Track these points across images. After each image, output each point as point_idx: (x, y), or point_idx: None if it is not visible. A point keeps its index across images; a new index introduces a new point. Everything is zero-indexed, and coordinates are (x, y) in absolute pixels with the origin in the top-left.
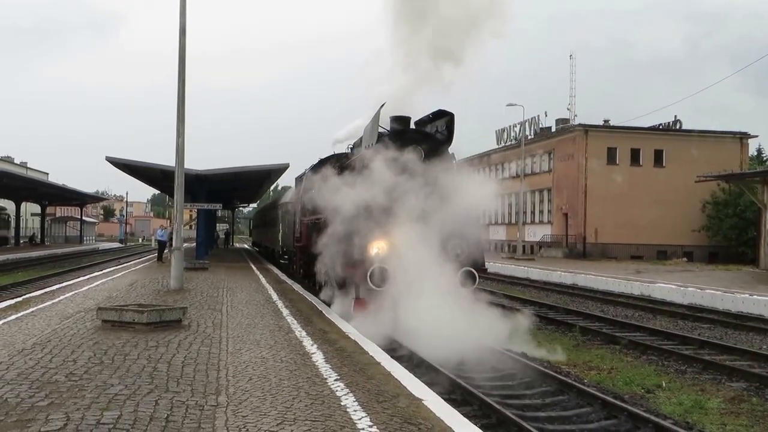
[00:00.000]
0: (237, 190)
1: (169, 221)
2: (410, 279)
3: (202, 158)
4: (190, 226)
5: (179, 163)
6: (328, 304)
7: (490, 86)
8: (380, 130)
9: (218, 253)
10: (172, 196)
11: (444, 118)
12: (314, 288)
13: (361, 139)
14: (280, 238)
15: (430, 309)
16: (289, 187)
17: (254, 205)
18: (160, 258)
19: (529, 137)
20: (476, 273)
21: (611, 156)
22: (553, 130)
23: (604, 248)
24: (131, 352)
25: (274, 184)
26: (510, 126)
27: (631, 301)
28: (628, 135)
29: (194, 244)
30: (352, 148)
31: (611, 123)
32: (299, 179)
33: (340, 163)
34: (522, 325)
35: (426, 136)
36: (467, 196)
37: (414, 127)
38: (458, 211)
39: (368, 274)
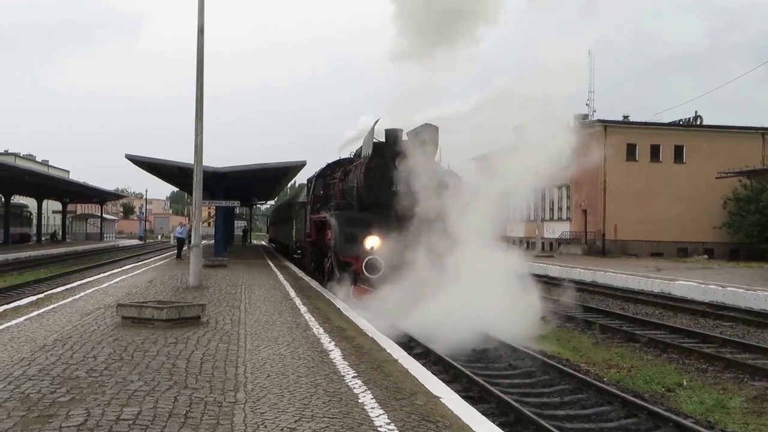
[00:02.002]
0: (255, 187)
1: (187, 218)
2: (410, 271)
3: (221, 154)
4: (209, 224)
5: (197, 160)
6: (336, 293)
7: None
8: (376, 140)
9: (236, 250)
10: (190, 193)
11: (430, 130)
12: (324, 278)
13: (361, 147)
14: (293, 234)
15: (441, 301)
16: (305, 185)
17: (272, 202)
18: (179, 255)
19: None
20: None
21: (631, 152)
22: (572, 125)
23: (624, 245)
24: (150, 349)
25: (292, 181)
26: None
27: (651, 298)
28: (648, 131)
29: (212, 241)
30: (354, 155)
31: (631, 119)
32: (310, 180)
33: (343, 168)
34: (534, 323)
35: (413, 147)
36: (447, 197)
37: (404, 140)
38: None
39: (363, 264)
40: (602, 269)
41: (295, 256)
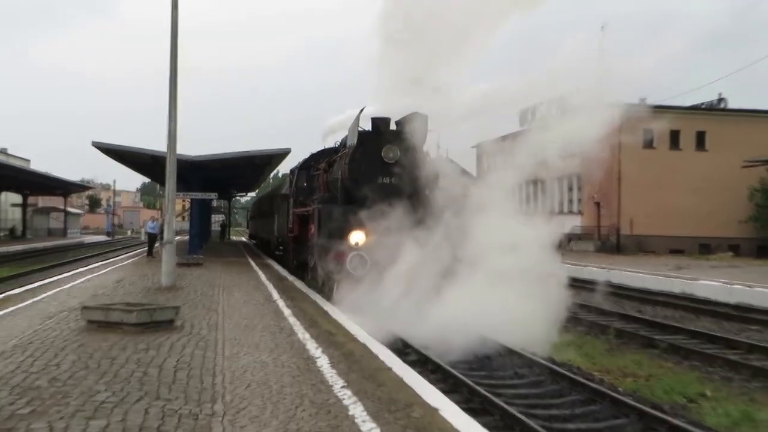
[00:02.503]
0: (234, 177)
1: (160, 212)
2: (398, 266)
3: (197, 142)
4: (183, 218)
5: (171, 148)
6: (322, 293)
7: (511, 60)
8: (362, 129)
9: (214, 246)
10: (163, 184)
11: (418, 120)
12: (308, 277)
13: (347, 136)
14: (275, 229)
15: (439, 301)
16: (288, 176)
17: (253, 194)
18: (150, 252)
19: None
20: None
21: (648, 138)
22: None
23: (641, 241)
24: (119, 356)
25: (275, 171)
26: (535, 105)
27: (671, 300)
28: (667, 115)
29: (187, 237)
30: (339, 144)
31: (647, 102)
32: (293, 171)
33: (327, 158)
34: (547, 326)
35: (401, 136)
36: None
37: (392, 129)
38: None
39: (348, 260)
40: (617, 267)
41: (277, 253)
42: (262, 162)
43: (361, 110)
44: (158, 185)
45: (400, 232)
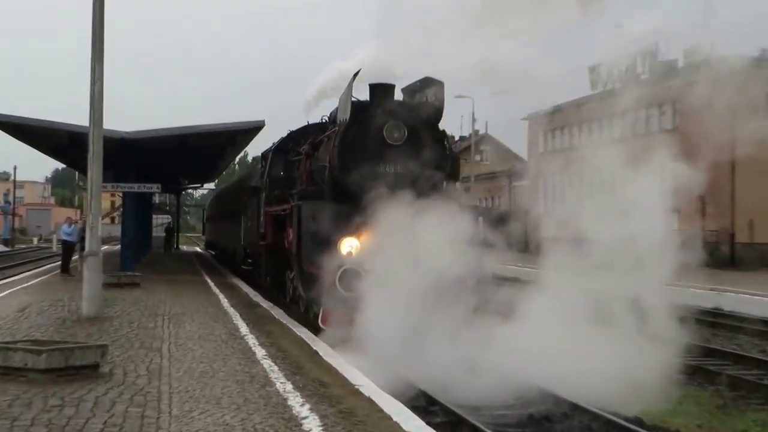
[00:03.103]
0: (185, 163)
1: (79, 212)
2: (410, 284)
3: (138, 116)
4: (113, 219)
5: (95, 120)
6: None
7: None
8: (356, 100)
9: (157, 259)
10: (83, 172)
11: (433, 87)
12: (285, 300)
13: (337, 109)
14: (242, 235)
15: (472, 335)
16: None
17: (211, 185)
18: (65, 268)
19: (643, 77)
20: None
21: None
22: (681, 65)
23: (765, 252)
24: (22, 416)
25: (242, 153)
26: (612, 62)
27: None
28: None
29: (119, 246)
30: (327, 120)
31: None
32: (266, 156)
33: (311, 139)
34: (632, 372)
35: (409, 109)
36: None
37: (397, 99)
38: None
39: (337, 276)
40: (731, 289)
41: (244, 268)
42: (224, 140)
43: (356, 74)
44: (77, 174)
45: (408, 237)
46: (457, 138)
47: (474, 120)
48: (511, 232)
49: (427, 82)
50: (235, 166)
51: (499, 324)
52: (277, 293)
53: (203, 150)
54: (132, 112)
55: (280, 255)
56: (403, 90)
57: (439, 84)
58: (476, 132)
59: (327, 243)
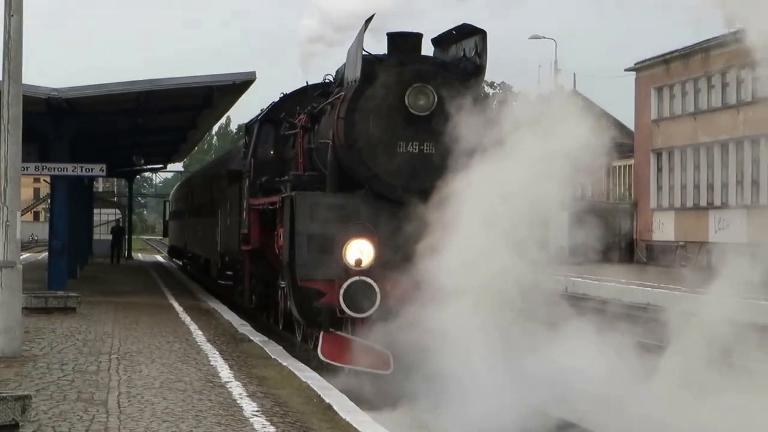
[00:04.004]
0: (142, 133)
1: None
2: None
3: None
4: (37, 215)
5: (12, 72)
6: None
7: None
8: (369, 55)
9: (100, 273)
10: None
11: (474, 37)
12: (277, 325)
13: (345, 65)
14: (218, 238)
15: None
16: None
17: (178, 166)
18: None
19: None
20: None
21: None
22: None
23: None
24: None
25: (222, 120)
26: None
27: None
28: None
29: (45, 254)
30: (332, 81)
31: None
32: (250, 129)
33: (310, 107)
34: None
35: (441, 67)
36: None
37: (425, 54)
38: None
39: (341, 293)
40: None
41: (222, 282)
42: (197, 101)
43: (368, 20)
44: None
45: (458, 241)
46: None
47: (557, 71)
48: (606, 233)
49: (464, 31)
50: (212, 139)
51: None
52: (266, 317)
53: (167, 115)
54: (67, 68)
55: (268, 264)
56: (434, 41)
57: (481, 33)
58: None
59: (328, 248)
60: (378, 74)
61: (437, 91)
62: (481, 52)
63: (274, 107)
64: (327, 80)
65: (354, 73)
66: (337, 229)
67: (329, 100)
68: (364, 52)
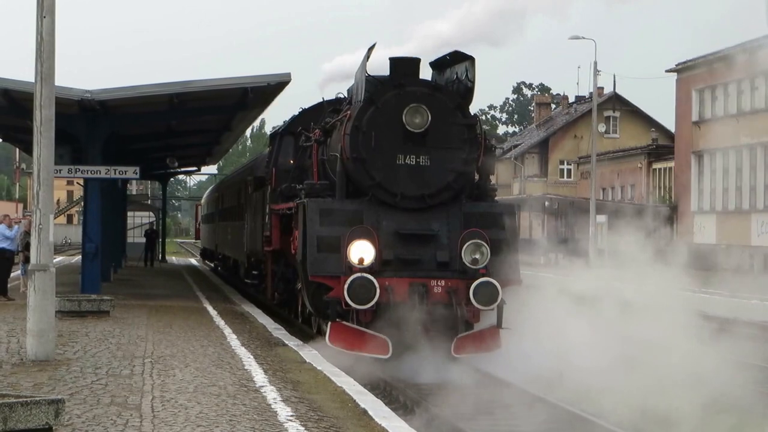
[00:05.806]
0: (176, 136)
1: (21, 208)
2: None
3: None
4: (71, 218)
5: (44, 74)
6: None
7: None
8: (372, 77)
9: (133, 276)
10: (26, 150)
11: (464, 63)
12: (298, 320)
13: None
14: (245, 239)
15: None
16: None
17: (213, 169)
18: (2, 289)
19: None
20: (499, 288)
21: None
22: None
23: None
24: None
25: (258, 120)
26: None
27: None
28: None
29: (78, 257)
30: (345, 102)
31: None
32: (273, 139)
33: (324, 122)
34: None
35: (435, 89)
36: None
37: (421, 78)
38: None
39: (345, 288)
40: None
41: (248, 281)
42: (232, 102)
43: (371, 48)
44: (17, 151)
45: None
46: (572, 99)
47: (597, 72)
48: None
49: (456, 57)
50: (246, 141)
51: None
52: (288, 312)
53: (201, 117)
54: (100, 69)
55: (287, 264)
56: (432, 65)
57: (470, 59)
58: (600, 91)
59: (334, 248)
60: (379, 95)
61: (431, 110)
62: (471, 76)
63: (294, 120)
64: (339, 97)
65: (359, 95)
66: (342, 232)
67: (339, 117)
68: (367, 75)
